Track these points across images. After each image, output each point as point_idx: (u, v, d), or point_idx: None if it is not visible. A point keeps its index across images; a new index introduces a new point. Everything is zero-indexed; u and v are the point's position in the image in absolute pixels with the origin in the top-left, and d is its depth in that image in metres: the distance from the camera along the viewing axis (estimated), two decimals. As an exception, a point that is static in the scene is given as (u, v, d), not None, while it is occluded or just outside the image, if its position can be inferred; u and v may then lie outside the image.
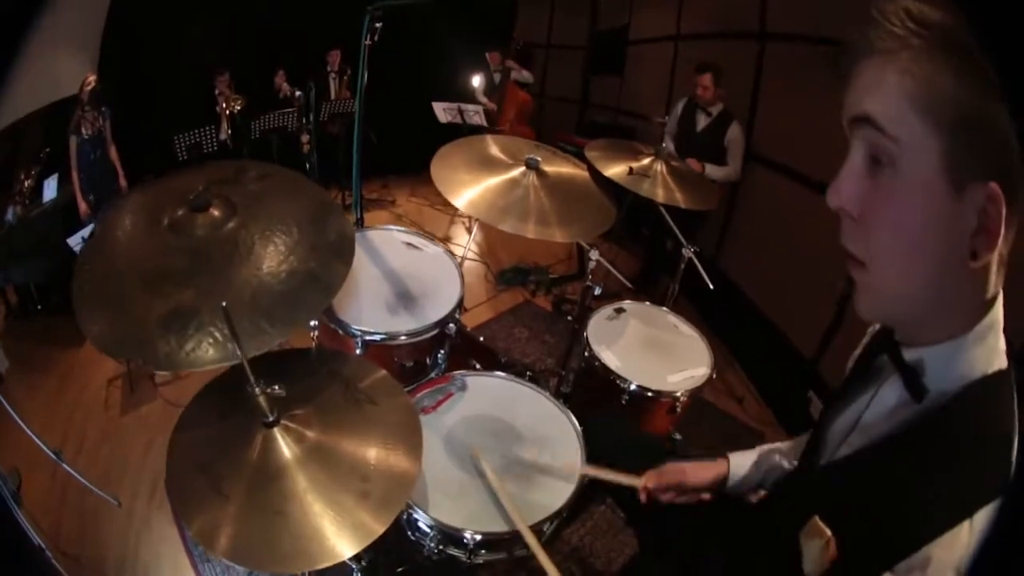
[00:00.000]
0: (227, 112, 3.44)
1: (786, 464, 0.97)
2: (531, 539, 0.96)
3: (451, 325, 1.37)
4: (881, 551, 0.55)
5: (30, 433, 1.94)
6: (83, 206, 2.99)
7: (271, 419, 0.81)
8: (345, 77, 4.28)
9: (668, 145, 3.09)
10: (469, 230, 4.07)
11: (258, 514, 0.76)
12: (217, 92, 3.58)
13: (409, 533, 1.11)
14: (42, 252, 2.93)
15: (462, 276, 1.52)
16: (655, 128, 3.53)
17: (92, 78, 2.99)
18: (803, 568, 0.62)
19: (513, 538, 1.05)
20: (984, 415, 0.55)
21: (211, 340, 0.77)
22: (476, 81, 4.44)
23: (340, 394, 0.90)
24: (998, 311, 0.56)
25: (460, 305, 1.42)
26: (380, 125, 3.32)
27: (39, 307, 3.02)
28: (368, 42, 1.70)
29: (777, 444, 1.02)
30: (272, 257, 0.88)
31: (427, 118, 4.04)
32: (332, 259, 0.91)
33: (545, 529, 1.09)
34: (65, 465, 1.94)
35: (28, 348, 2.76)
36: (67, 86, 3.07)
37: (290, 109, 3.69)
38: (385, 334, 1.31)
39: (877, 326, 0.76)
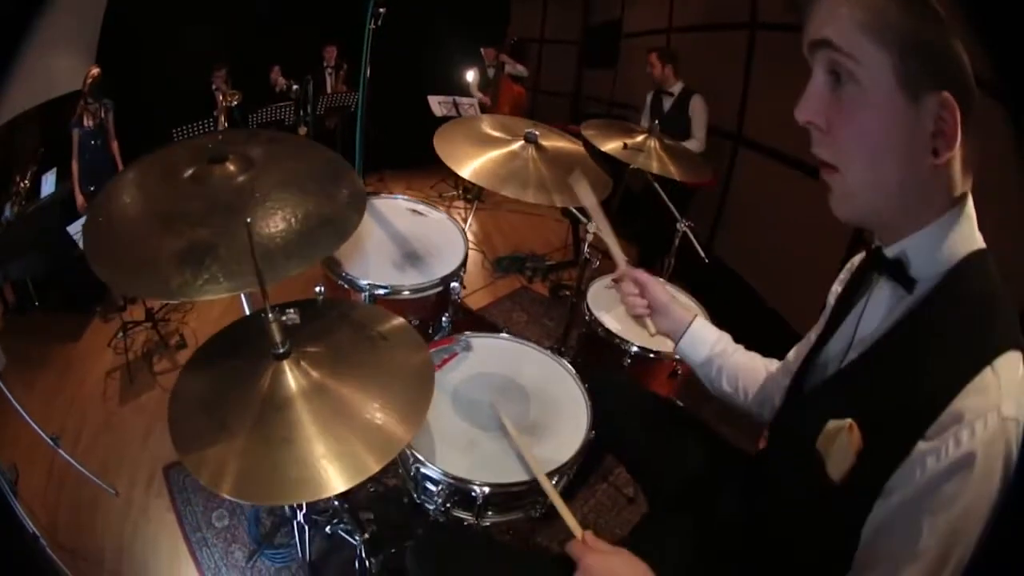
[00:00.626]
0: (224, 106, 3.45)
1: (743, 375, 1.00)
2: (547, 484, 0.96)
3: (455, 284, 1.39)
4: (907, 423, 0.56)
5: (28, 419, 1.92)
6: (80, 199, 2.97)
7: (282, 351, 0.82)
8: (341, 72, 4.32)
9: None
10: (465, 220, 4.11)
11: (263, 445, 0.77)
12: (214, 87, 3.59)
13: (415, 496, 1.10)
14: (40, 248, 2.93)
15: (466, 238, 1.55)
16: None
17: (96, 70, 2.98)
18: (829, 475, 0.62)
19: (522, 493, 1.05)
20: (970, 285, 0.60)
21: (226, 272, 0.79)
22: (470, 75, 4.50)
23: (350, 333, 0.93)
24: (969, 207, 0.62)
25: (464, 264, 1.46)
26: (377, 119, 3.36)
27: (36, 304, 3.00)
28: (372, 26, 1.73)
29: (741, 351, 1.04)
30: (287, 203, 0.91)
31: (422, 113, 4.08)
32: (345, 207, 0.94)
33: (554, 484, 1.07)
34: (61, 451, 1.93)
35: (26, 345, 2.75)
36: (65, 83, 3.06)
37: (287, 103, 3.71)
38: (393, 287, 1.35)
39: (855, 263, 0.80)
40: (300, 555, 1.61)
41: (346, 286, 1.35)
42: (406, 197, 1.72)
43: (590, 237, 1.78)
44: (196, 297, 0.76)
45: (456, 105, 3.99)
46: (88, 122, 2.95)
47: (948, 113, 0.55)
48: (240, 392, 0.82)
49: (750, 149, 3.26)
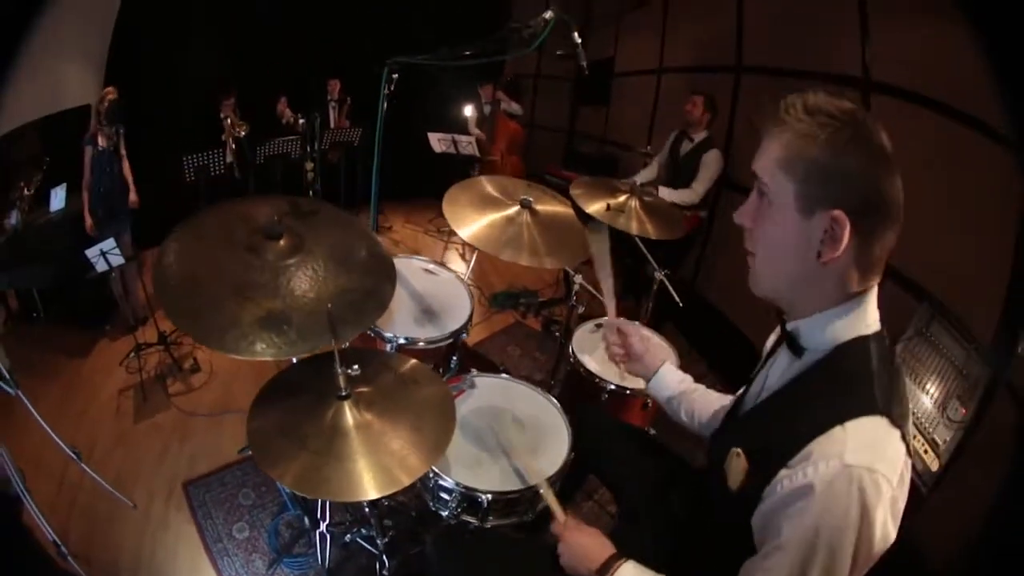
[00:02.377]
0: (233, 136, 3.68)
1: (696, 408, 1.29)
2: (544, 487, 1.28)
3: (463, 334, 1.82)
4: (776, 454, 0.77)
5: (48, 430, 2.03)
6: (89, 221, 3.10)
7: (344, 393, 1.19)
8: (345, 106, 4.61)
9: (640, 178, 3.52)
10: (463, 256, 4.49)
11: (325, 459, 1.09)
12: (223, 116, 3.82)
13: (431, 504, 1.46)
14: (47, 260, 3.13)
15: (472, 296, 1.97)
16: (638, 158, 3.92)
17: (112, 92, 3.09)
18: (730, 487, 0.87)
19: (517, 500, 1.41)
20: (845, 362, 0.80)
21: (302, 335, 1.15)
22: (468, 111, 4.85)
23: (391, 378, 1.31)
24: (867, 301, 0.81)
25: (471, 319, 1.87)
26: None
27: (40, 314, 3.23)
28: (387, 91, 2.05)
29: (700, 391, 1.33)
30: (336, 279, 1.27)
31: (421, 148, 4.40)
32: (381, 280, 1.33)
33: (542, 492, 1.39)
34: (82, 464, 2.11)
35: (28, 354, 2.95)
36: (73, 94, 3.30)
37: (293, 136, 3.95)
38: (413, 339, 1.74)
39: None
40: (320, 563, 1.87)
41: (377, 338, 1.73)
42: (420, 257, 2.13)
43: (576, 287, 2.19)
44: (280, 357, 1.11)
45: (455, 142, 4.32)
46: (102, 143, 3.06)
47: (837, 226, 0.74)
48: (313, 421, 1.17)
49: (734, 191, 3.61)
